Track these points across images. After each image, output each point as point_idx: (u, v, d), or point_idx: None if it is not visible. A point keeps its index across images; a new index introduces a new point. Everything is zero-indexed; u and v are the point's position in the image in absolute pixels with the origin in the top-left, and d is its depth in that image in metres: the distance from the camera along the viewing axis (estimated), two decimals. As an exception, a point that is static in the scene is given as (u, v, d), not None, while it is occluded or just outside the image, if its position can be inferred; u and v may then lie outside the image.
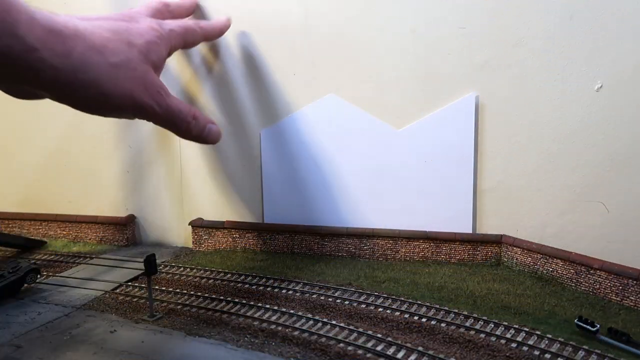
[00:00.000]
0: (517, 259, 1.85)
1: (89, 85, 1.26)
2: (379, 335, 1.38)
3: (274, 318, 1.53)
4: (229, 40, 2.06)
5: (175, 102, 1.54)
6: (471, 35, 1.77)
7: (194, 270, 1.97)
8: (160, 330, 1.50)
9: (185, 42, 1.73)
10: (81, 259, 2.20)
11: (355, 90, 1.95)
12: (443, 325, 1.44)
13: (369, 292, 1.68)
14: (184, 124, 1.57)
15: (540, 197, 1.79)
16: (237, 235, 2.22)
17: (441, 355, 1.27)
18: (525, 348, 1.30)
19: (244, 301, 1.66)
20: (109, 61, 1.31)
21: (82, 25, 1.29)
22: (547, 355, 1.26)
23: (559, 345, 1.31)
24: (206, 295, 1.72)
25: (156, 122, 1.53)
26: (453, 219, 1.93)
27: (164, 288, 1.81)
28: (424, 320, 1.48)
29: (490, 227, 1.91)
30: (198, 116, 1.61)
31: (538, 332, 1.37)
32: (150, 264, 1.59)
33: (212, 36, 1.95)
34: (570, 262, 1.69)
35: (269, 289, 1.75)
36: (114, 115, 1.44)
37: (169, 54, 1.65)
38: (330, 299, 1.64)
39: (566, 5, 1.63)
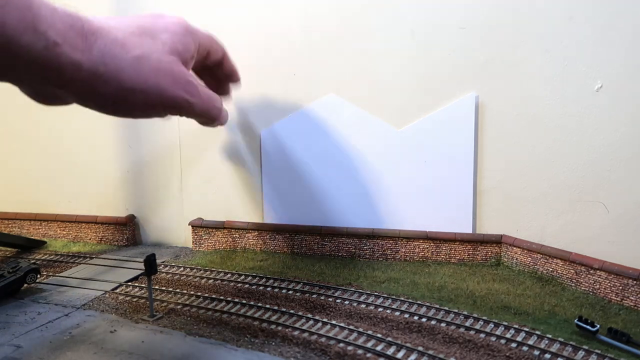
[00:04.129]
0: (517, 259, 1.85)
1: (110, 79, 1.22)
2: (379, 335, 1.38)
3: (274, 318, 1.53)
4: (230, 42, 2.06)
5: (207, 90, 1.47)
6: (471, 35, 1.77)
7: (194, 270, 1.97)
8: (160, 330, 1.50)
9: (210, 48, 1.62)
10: (81, 259, 2.20)
11: (355, 90, 1.95)
12: (443, 325, 1.44)
13: (369, 292, 1.68)
14: (216, 112, 1.50)
15: (540, 197, 1.79)
16: (237, 235, 2.22)
17: (441, 355, 1.27)
18: (525, 348, 1.30)
19: (244, 301, 1.66)
20: (131, 54, 1.26)
21: (105, 21, 1.26)
22: (547, 355, 1.26)
23: (559, 345, 1.31)
24: (206, 295, 1.72)
25: (188, 115, 1.45)
26: (453, 219, 1.93)
27: (164, 288, 1.81)
28: (424, 320, 1.48)
29: (490, 227, 1.91)
30: (221, 101, 1.55)
31: (538, 332, 1.37)
32: (150, 264, 1.59)
33: (227, 68, 1.78)
34: (570, 262, 1.69)
35: (269, 289, 1.75)
36: (143, 114, 1.36)
37: (200, 55, 1.56)
38: (330, 299, 1.64)
39: (566, 5, 1.63)
